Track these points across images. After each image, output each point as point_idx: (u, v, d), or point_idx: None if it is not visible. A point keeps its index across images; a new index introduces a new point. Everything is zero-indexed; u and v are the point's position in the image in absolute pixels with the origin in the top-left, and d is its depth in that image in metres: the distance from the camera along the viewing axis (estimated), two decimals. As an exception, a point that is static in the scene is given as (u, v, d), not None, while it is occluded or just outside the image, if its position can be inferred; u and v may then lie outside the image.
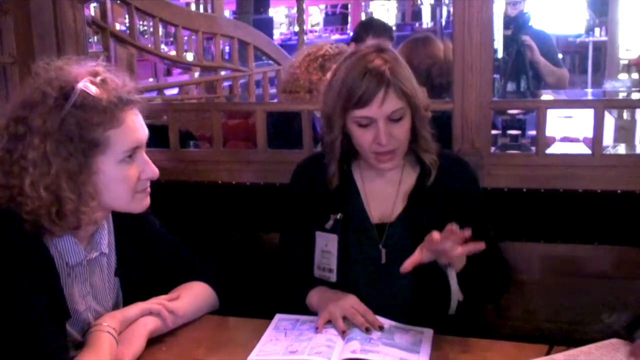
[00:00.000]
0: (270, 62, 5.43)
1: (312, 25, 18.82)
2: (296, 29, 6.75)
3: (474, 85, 1.85)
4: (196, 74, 5.10)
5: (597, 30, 9.58)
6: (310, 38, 13.83)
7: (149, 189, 1.47)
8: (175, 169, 2.11)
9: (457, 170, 1.71)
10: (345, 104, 1.56)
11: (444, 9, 13.33)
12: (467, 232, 1.37)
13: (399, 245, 1.63)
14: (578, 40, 9.70)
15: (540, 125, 1.88)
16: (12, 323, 1.28)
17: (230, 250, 2.10)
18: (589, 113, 1.88)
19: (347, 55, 1.64)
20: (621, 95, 4.43)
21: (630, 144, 3.78)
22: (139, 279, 1.58)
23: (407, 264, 1.43)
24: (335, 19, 18.70)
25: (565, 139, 2.98)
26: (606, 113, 1.90)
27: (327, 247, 1.66)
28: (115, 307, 1.54)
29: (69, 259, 1.42)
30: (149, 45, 4.33)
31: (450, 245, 1.39)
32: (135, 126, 1.41)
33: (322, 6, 19.13)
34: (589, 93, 6.45)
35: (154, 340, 1.47)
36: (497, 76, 3.79)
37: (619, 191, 1.81)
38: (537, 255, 1.90)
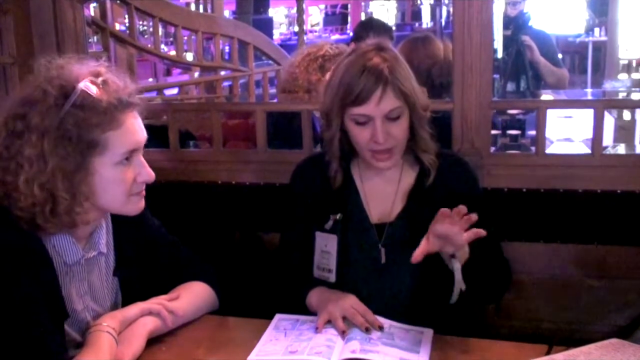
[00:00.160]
0: (270, 62, 5.42)
1: (312, 26, 18.83)
2: (296, 29, 6.76)
3: (474, 85, 1.85)
4: (196, 74, 5.09)
5: (596, 30, 9.58)
6: (310, 38, 13.83)
7: (144, 192, 1.46)
8: (175, 169, 2.11)
9: (456, 170, 1.70)
10: (343, 101, 1.56)
11: (444, 9, 13.35)
12: (474, 216, 1.36)
13: (398, 245, 1.63)
14: (578, 40, 9.68)
15: (540, 125, 1.88)
16: (11, 322, 1.27)
17: (230, 250, 2.10)
18: (589, 113, 1.88)
19: (347, 53, 1.64)
20: (621, 95, 4.44)
21: (630, 144, 3.79)
22: (138, 279, 1.57)
23: (417, 254, 1.42)
24: (335, 19, 18.72)
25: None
26: (606, 113, 1.90)
27: (326, 247, 1.66)
28: (114, 307, 1.54)
29: (67, 257, 1.41)
30: (149, 45, 4.32)
31: (456, 231, 1.38)
32: (134, 129, 1.40)
33: (322, 6, 19.15)
34: (589, 93, 6.46)
35: (154, 340, 1.46)
36: (497, 76, 3.79)
37: (618, 191, 1.81)
38: (537, 255, 1.90)
